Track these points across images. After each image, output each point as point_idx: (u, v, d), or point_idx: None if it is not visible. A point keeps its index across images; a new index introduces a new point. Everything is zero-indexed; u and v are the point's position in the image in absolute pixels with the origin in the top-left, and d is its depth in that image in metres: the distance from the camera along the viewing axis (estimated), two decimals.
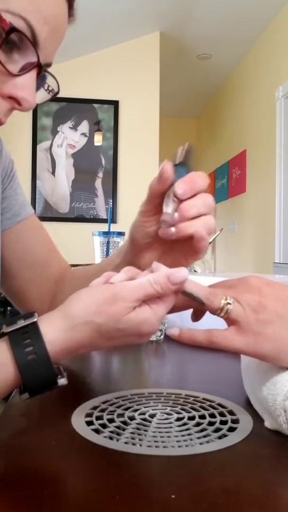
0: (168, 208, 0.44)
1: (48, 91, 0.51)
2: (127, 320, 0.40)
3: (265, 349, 0.42)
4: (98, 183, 3.77)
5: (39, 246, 0.72)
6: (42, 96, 0.51)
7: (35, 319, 0.41)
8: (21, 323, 0.40)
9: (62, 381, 0.41)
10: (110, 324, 0.40)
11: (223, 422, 0.45)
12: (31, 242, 0.71)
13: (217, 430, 0.43)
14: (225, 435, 0.42)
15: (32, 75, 0.45)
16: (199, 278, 0.94)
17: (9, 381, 0.39)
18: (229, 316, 0.42)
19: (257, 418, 0.45)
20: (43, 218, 3.70)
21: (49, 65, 0.48)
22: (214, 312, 0.43)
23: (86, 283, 0.45)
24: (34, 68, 0.45)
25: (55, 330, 0.40)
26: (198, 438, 0.41)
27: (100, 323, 0.40)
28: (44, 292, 0.71)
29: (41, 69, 0.46)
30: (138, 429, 0.43)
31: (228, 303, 0.42)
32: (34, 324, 0.40)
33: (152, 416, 0.46)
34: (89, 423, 0.44)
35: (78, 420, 0.45)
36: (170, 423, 0.45)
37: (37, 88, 0.49)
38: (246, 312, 0.42)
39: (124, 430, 0.43)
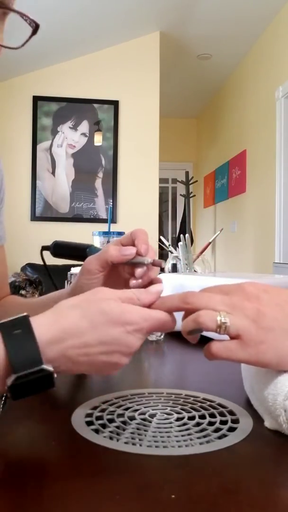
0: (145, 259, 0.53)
1: (27, 21, 0.49)
2: (111, 304, 0.42)
3: (268, 357, 0.41)
4: (98, 183, 3.78)
5: None
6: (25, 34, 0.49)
7: (25, 314, 0.42)
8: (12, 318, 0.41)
9: (50, 368, 0.40)
10: (94, 307, 0.42)
11: (223, 422, 0.45)
12: None
13: (217, 430, 0.43)
14: (225, 435, 0.42)
15: None
16: (199, 278, 0.94)
17: None
18: (229, 332, 0.42)
19: (257, 418, 0.45)
20: (43, 218, 3.71)
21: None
22: (213, 331, 0.43)
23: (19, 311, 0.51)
24: None
25: (42, 314, 0.42)
26: (198, 438, 0.41)
27: (85, 307, 0.42)
28: None
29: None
30: (138, 429, 0.43)
31: (224, 322, 0.41)
32: (25, 316, 0.41)
33: (152, 416, 0.46)
34: (89, 423, 0.44)
35: (78, 420, 0.45)
36: (170, 423, 0.45)
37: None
38: (246, 323, 0.41)
39: (124, 430, 0.43)
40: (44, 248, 0.70)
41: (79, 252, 0.61)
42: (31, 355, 0.39)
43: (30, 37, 0.49)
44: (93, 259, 0.54)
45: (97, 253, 0.54)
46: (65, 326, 0.41)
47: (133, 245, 0.53)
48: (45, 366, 0.39)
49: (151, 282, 0.52)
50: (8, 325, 0.40)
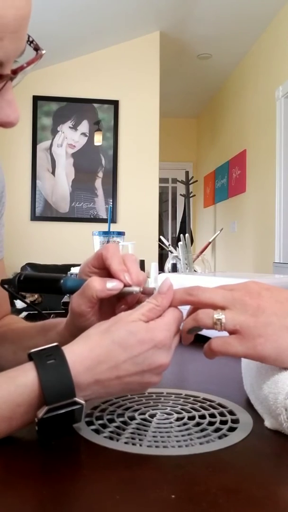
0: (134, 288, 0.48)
1: (29, 42, 0.44)
2: (137, 324, 0.42)
3: (266, 350, 0.42)
4: (98, 183, 3.78)
5: None
6: (31, 60, 0.45)
7: (56, 344, 0.42)
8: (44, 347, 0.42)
9: (81, 401, 0.40)
10: (122, 330, 0.42)
11: (223, 422, 0.45)
12: None
13: (217, 430, 0.43)
14: (225, 435, 0.42)
15: (5, 91, 0.42)
16: (199, 278, 0.94)
17: (29, 387, 0.39)
18: (226, 328, 0.43)
19: (257, 418, 0.45)
20: (43, 218, 3.71)
21: (22, 54, 0.43)
22: (211, 328, 0.44)
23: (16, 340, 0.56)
24: (7, 82, 0.42)
25: (73, 344, 0.42)
26: (198, 438, 0.41)
27: (114, 331, 0.42)
28: None
29: (15, 74, 0.42)
30: (138, 429, 0.43)
31: (219, 319, 0.43)
32: (57, 346, 0.42)
33: (152, 416, 0.46)
34: (89, 423, 0.44)
35: None
36: (170, 423, 0.45)
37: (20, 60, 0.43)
38: (244, 318, 0.42)
39: (124, 430, 0.43)
40: (4, 282, 0.57)
41: (51, 285, 0.52)
42: (64, 387, 0.39)
43: (38, 59, 0.46)
44: (79, 300, 0.48)
45: (80, 290, 0.48)
46: (98, 353, 0.41)
47: (105, 266, 0.49)
48: (77, 399, 0.39)
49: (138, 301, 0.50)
50: (41, 354, 0.40)
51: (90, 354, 0.41)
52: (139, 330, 0.42)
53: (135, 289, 0.48)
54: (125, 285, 0.47)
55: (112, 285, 0.47)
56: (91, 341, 0.42)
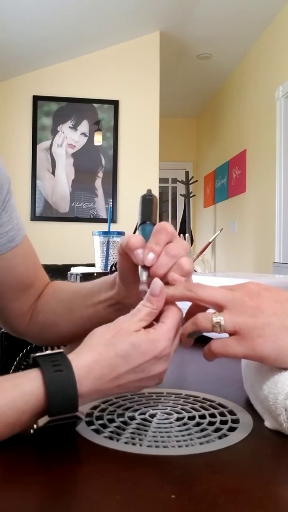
0: (143, 277, 0.48)
1: None
2: (138, 335, 0.42)
3: (266, 350, 0.42)
4: (98, 183, 3.78)
5: (27, 270, 0.71)
6: None
7: (61, 350, 0.42)
8: (49, 352, 0.42)
9: (82, 416, 0.41)
10: (125, 342, 0.42)
11: (223, 422, 0.45)
12: (21, 269, 0.69)
13: (217, 430, 0.43)
14: (225, 435, 0.42)
15: None
16: (199, 278, 0.94)
17: (34, 396, 0.39)
18: (226, 329, 0.43)
19: (257, 418, 0.45)
20: (43, 218, 3.71)
21: None
22: (210, 331, 0.44)
23: (71, 297, 0.57)
24: None
25: (79, 354, 0.43)
26: (198, 438, 0.41)
27: (117, 343, 0.42)
28: (25, 309, 0.71)
29: None
30: (138, 429, 0.43)
31: (218, 322, 0.43)
32: (62, 353, 0.42)
33: (152, 416, 0.46)
34: (89, 423, 0.44)
35: None
36: (170, 423, 0.45)
37: None
38: (243, 319, 0.43)
39: (124, 430, 0.43)
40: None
41: None
42: (69, 401, 0.39)
43: None
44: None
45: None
46: (102, 366, 0.41)
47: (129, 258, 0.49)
48: (78, 414, 0.40)
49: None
50: (48, 362, 0.41)
51: (95, 367, 0.41)
52: (141, 342, 0.42)
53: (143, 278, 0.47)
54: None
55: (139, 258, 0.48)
56: (96, 353, 0.42)
